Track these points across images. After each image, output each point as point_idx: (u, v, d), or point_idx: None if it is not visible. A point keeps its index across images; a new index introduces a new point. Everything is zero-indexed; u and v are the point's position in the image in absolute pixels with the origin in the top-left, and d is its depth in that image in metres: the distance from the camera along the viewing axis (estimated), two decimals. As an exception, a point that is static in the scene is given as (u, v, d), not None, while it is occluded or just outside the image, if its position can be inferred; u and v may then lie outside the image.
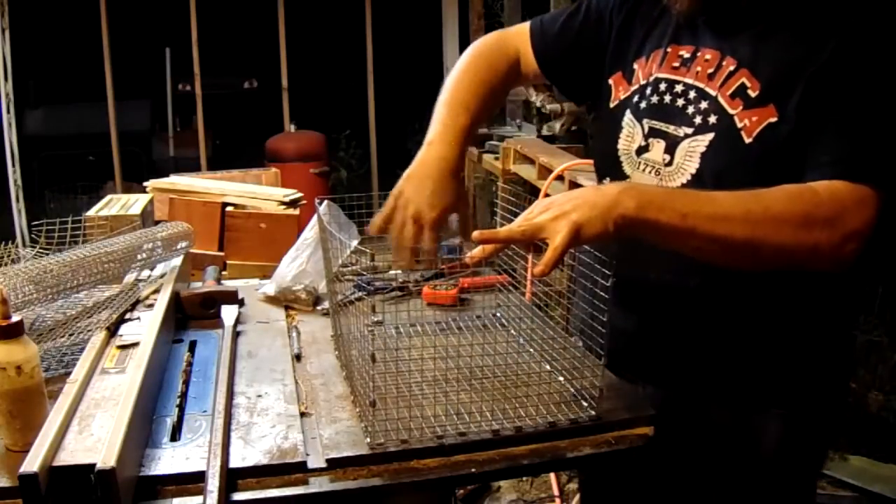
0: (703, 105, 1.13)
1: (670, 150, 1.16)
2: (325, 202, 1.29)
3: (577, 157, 2.95)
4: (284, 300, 1.53)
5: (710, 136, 1.12)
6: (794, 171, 1.05)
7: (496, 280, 1.52)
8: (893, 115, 1.03)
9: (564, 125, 3.50)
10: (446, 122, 1.28)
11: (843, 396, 1.28)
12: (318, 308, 1.51)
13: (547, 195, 2.23)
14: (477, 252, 1.05)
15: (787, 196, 1.01)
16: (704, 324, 1.18)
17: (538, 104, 3.37)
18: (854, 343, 1.26)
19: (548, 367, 1.21)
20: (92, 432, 0.92)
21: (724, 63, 1.13)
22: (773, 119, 1.07)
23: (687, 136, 1.15)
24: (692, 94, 1.15)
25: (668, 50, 1.20)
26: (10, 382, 0.94)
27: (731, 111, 1.10)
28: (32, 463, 0.82)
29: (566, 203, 0.99)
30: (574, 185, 2.54)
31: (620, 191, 1.00)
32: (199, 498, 0.87)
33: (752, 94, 1.09)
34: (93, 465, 0.83)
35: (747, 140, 1.08)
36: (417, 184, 1.21)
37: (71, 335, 1.23)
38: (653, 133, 1.19)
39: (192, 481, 0.92)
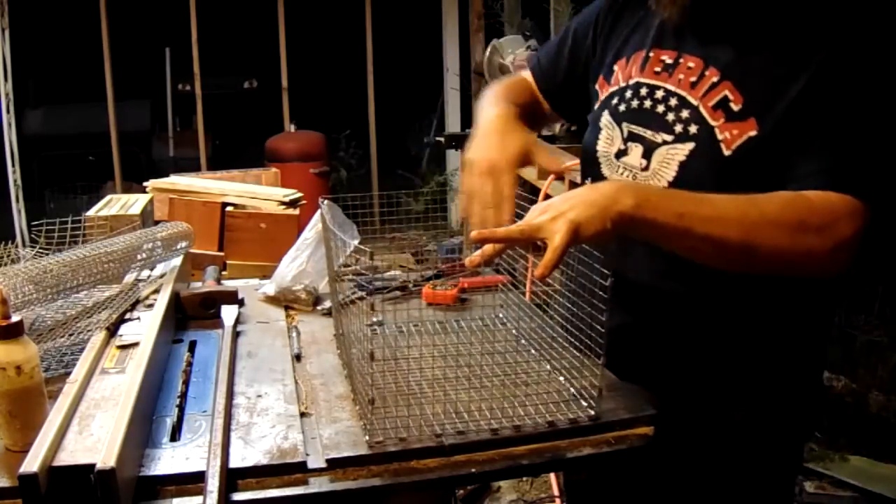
0: (685, 114, 1.13)
1: (647, 155, 1.17)
2: (325, 202, 1.29)
3: (577, 157, 2.95)
4: (284, 300, 1.53)
5: (691, 145, 1.12)
6: (772, 184, 1.06)
7: (496, 280, 1.52)
8: (881, 127, 1.03)
9: (564, 125, 3.50)
10: (491, 105, 1.28)
11: (818, 392, 1.30)
12: (318, 308, 1.51)
13: (547, 196, 2.23)
14: (476, 256, 1.05)
15: (781, 201, 1.02)
16: (682, 323, 1.18)
17: (538, 104, 3.37)
18: (827, 339, 1.29)
19: (548, 367, 1.21)
20: (92, 432, 0.92)
21: (706, 73, 1.12)
22: (753, 133, 1.07)
23: (665, 142, 1.15)
24: (673, 102, 1.15)
25: (651, 54, 1.20)
26: (9, 382, 0.94)
27: (712, 123, 1.10)
28: (32, 463, 0.82)
29: (563, 203, 1.00)
30: (574, 185, 2.54)
31: (617, 189, 1.01)
32: (199, 498, 0.87)
33: (735, 107, 1.09)
34: (93, 465, 0.83)
35: (726, 152, 1.09)
36: (481, 142, 1.19)
37: (71, 335, 1.23)
38: (632, 137, 1.19)
39: (192, 481, 0.92)
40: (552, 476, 2.53)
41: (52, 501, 0.83)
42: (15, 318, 0.95)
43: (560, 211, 0.98)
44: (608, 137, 1.24)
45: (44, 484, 0.82)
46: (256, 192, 2.34)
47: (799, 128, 1.04)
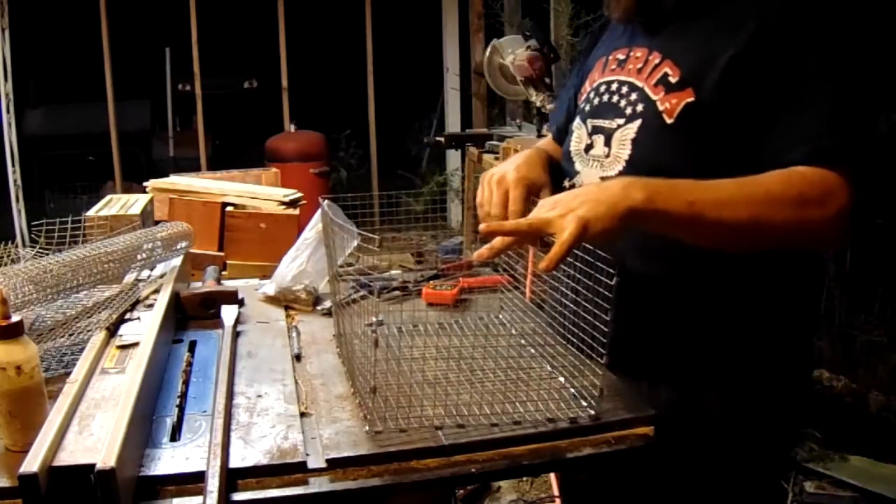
0: (633, 97, 1.21)
1: (607, 142, 1.23)
2: (326, 202, 1.29)
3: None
4: (284, 300, 1.53)
5: (639, 122, 1.19)
6: (719, 147, 1.11)
7: (496, 280, 1.52)
8: (839, 90, 1.07)
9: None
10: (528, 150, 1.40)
11: (806, 391, 1.32)
12: (318, 308, 1.51)
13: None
14: (485, 250, 1.05)
15: (780, 178, 1.06)
16: (668, 311, 1.19)
17: (538, 104, 3.37)
18: (813, 336, 1.32)
19: (548, 367, 1.21)
20: (92, 432, 0.92)
21: (650, 57, 1.21)
22: (691, 99, 1.13)
23: (619, 126, 1.22)
24: (624, 89, 1.23)
25: (609, 57, 1.30)
26: (9, 382, 0.94)
27: (653, 97, 1.17)
28: (32, 463, 0.82)
29: (573, 200, 1.01)
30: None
31: (625, 185, 1.02)
32: (199, 498, 0.87)
33: (673, 80, 1.16)
34: (93, 465, 0.83)
35: (669, 121, 1.15)
36: (503, 163, 1.31)
37: (71, 335, 1.23)
38: (595, 131, 1.27)
39: (192, 481, 0.92)
40: (552, 476, 2.53)
41: (52, 501, 0.83)
42: (15, 318, 0.95)
43: (570, 207, 1.00)
44: (578, 137, 1.32)
45: (44, 484, 0.82)
46: (256, 192, 2.34)
47: (740, 93, 1.09)
